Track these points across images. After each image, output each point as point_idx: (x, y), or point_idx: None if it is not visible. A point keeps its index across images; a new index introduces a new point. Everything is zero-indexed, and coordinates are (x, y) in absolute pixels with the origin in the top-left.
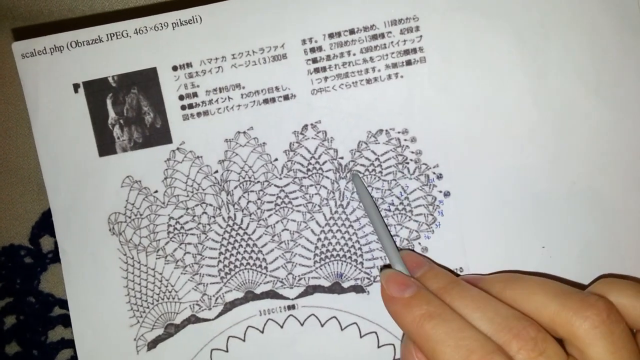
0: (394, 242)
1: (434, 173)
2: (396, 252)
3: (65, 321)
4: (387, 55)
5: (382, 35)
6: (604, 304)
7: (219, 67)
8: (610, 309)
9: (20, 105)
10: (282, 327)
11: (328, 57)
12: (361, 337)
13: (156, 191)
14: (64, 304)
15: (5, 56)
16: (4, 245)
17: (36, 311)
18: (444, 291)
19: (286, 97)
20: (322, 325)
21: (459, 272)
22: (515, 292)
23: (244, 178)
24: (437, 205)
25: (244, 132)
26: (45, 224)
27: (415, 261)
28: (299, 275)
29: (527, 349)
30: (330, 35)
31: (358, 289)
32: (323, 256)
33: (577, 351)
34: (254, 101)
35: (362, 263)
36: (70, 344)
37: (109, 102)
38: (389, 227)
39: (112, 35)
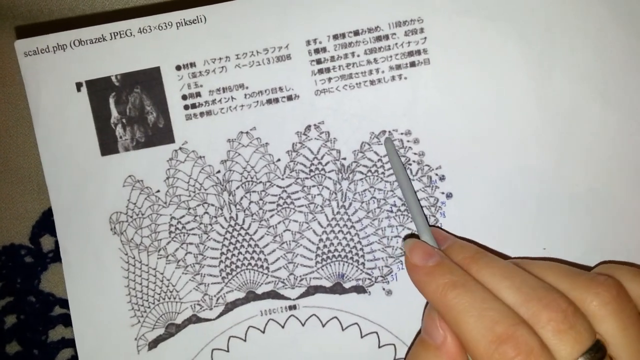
0: (424, 213)
1: (437, 175)
2: (425, 222)
3: (66, 321)
4: (391, 56)
5: (387, 37)
6: (614, 282)
7: (222, 67)
8: (620, 286)
9: (21, 104)
10: (283, 327)
11: (332, 58)
12: (362, 337)
13: (158, 191)
14: (64, 303)
15: (6, 55)
16: (4, 244)
17: (37, 310)
18: (470, 260)
19: (290, 98)
20: (323, 326)
21: None
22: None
23: (246, 178)
24: (439, 207)
25: (247, 132)
26: (45, 223)
27: (443, 235)
28: (300, 276)
29: (557, 320)
30: (335, 37)
31: (359, 290)
32: (325, 257)
33: None
34: (258, 101)
35: (363, 264)
36: (70, 343)
37: (111, 101)
38: (391, 229)
39: (115, 34)
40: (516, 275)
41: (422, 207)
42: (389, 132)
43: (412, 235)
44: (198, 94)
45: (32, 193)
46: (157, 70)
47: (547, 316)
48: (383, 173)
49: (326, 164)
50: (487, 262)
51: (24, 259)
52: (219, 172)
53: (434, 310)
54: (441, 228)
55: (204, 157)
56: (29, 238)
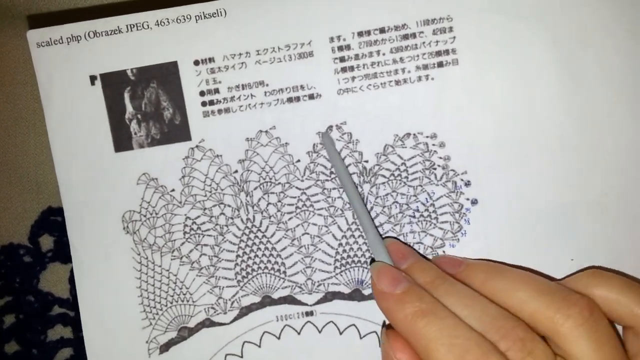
0: (377, 228)
1: (462, 180)
2: (380, 241)
3: (65, 320)
4: (418, 56)
5: (414, 35)
6: (586, 302)
7: (242, 63)
8: (593, 307)
9: (20, 103)
10: (299, 333)
11: (356, 57)
12: (380, 345)
13: (173, 190)
14: (63, 302)
15: (5, 55)
16: (3, 244)
17: (35, 310)
18: (431, 286)
19: (311, 97)
20: (340, 333)
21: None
22: (498, 285)
23: (264, 179)
24: (464, 213)
25: (266, 132)
26: (44, 223)
27: (401, 252)
28: (318, 281)
29: (514, 349)
30: (360, 34)
31: None
32: (344, 262)
33: (559, 349)
34: (278, 99)
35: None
36: (69, 342)
37: (126, 95)
38: (413, 234)
39: (132, 26)
40: (475, 304)
41: (372, 218)
42: (328, 128)
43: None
44: (216, 91)
45: (30, 192)
46: (174, 64)
47: (505, 345)
48: (406, 177)
49: (348, 166)
50: (447, 289)
51: (23, 259)
52: (236, 171)
53: (389, 342)
54: (398, 239)
55: (221, 156)
56: (27, 237)
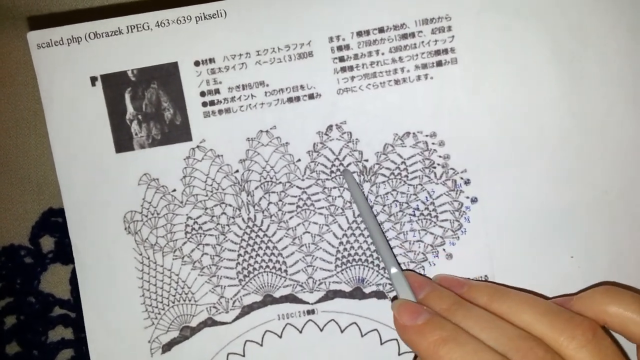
0: (396, 258)
1: (462, 178)
2: (402, 276)
3: (66, 321)
4: (417, 55)
5: (413, 35)
6: (589, 323)
7: (242, 64)
8: (595, 327)
9: (20, 104)
10: (301, 332)
11: (356, 56)
12: (382, 344)
13: (174, 190)
14: (64, 303)
15: (6, 55)
16: (4, 245)
17: (36, 311)
18: (448, 313)
19: (311, 96)
20: (342, 331)
21: (483, 281)
22: (502, 307)
23: (265, 178)
24: (464, 212)
25: (267, 131)
26: (45, 224)
27: (418, 282)
28: (319, 280)
29: None
30: (359, 34)
31: (380, 295)
32: (345, 260)
33: None
34: (278, 99)
35: (384, 269)
36: (70, 344)
37: (127, 96)
38: (413, 233)
39: (132, 27)
40: (493, 326)
41: (392, 249)
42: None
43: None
44: (217, 91)
45: (31, 194)
46: (174, 65)
47: None
48: (406, 176)
49: (348, 165)
50: (464, 314)
51: (24, 260)
52: (237, 171)
53: None
54: (414, 271)
55: (222, 156)
56: (28, 239)
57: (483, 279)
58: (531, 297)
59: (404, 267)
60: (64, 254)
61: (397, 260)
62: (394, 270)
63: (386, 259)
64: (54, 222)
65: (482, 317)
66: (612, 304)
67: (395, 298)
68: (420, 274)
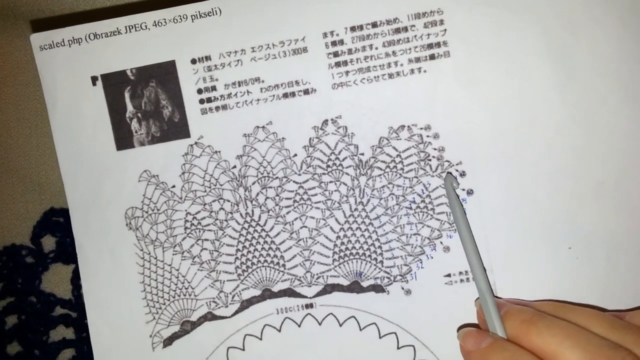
0: (486, 275)
1: (457, 170)
2: (488, 286)
3: (67, 321)
4: (410, 49)
5: (406, 29)
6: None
7: (238, 61)
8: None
9: (22, 104)
10: (299, 326)
11: (350, 51)
12: (380, 337)
13: (173, 186)
14: (65, 303)
15: (8, 56)
16: (5, 245)
17: (37, 311)
18: (529, 323)
19: (306, 92)
20: (340, 325)
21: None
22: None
23: (262, 174)
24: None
25: (263, 127)
26: (46, 224)
27: (499, 302)
28: (317, 274)
29: None
30: (352, 29)
31: (377, 289)
32: (342, 254)
33: None
34: (274, 95)
35: (382, 262)
36: (71, 343)
37: (127, 95)
38: (410, 226)
39: (130, 27)
40: (579, 334)
41: (485, 269)
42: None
43: (463, 326)
44: (214, 88)
45: (32, 193)
46: (172, 64)
47: None
48: (402, 169)
49: (344, 160)
50: (547, 324)
51: (25, 260)
52: (234, 167)
53: None
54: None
55: (219, 152)
56: (29, 238)
57: None
58: (596, 312)
59: (401, 261)
60: (65, 253)
61: (489, 286)
62: (487, 293)
63: (480, 285)
64: (55, 221)
65: (567, 326)
66: None
67: (461, 328)
68: (498, 297)
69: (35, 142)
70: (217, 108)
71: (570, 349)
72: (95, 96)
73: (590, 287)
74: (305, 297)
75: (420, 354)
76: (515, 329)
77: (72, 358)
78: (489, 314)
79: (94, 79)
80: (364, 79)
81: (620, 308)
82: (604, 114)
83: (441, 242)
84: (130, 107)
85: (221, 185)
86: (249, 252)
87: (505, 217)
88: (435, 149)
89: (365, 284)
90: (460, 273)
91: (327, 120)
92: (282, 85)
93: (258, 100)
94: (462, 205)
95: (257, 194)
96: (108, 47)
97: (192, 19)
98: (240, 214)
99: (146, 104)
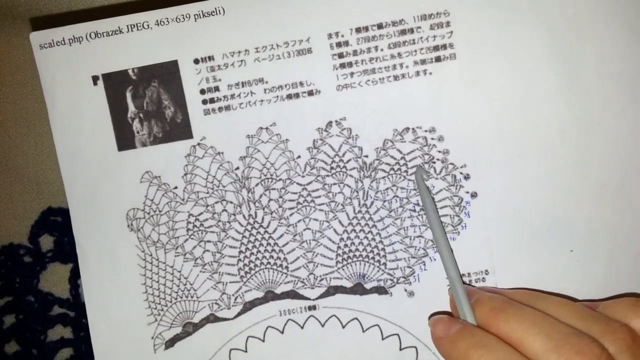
0: (456, 264)
1: (461, 173)
2: (458, 275)
3: (65, 320)
4: (415, 51)
5: (411, 31)
6: (628, 329)
7: (241, 61)
8: (634, 334)
9: (20, 103)
10: (302, 327)
11: (355, 52)
12: (383, 339)
13: (176, 187)
14: (63, 303)
15: (6, 54)
16: (3, 244)
17: (35, 310)
18: (498, 310)
19: (310, 93)
20: (343, 327)
21: (484, 275)
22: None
23: (265, 175)
24: (464, 207)
25: (267, 128)
26: (44, 223)
27: (471, 290)
28: (320, 276)
29: None
30: (358, 30)
31: (380, 291)
32: (345, 256)
33: None
34: (277, 96)
35: (385, 264)
36: (69, 343)
37: (128, 95)
38: (414, 228)
39: (132, 26)
40: (544, 321)
41: (454, 257)
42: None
43: (434, 314)
44: (216, 89)
45: (30, 193)
46: (174, 63)
47: None
48: (406, 171)
49: (348, 162)
50: (515, 311)
51: (23, 259)
52: (237, 168)
53: None
54: (468, 284)
55: (222, 153)
56: (27, 238)
57: (483, 274)
58: (567, 301)
59: (404, 263)
60: (63, 253)
61: (459, 273)
62: (457, 281)
63: (450, 273)
64: (53, 221)
65: (533, 313)
66: (636, 318)
67: (432, 315)
68: (470, 285)
69: (34, 141)
70: (220, 109)
71: (535, 336)
72: (96, 96)
73: (591, 289)
74: (308, 299)
75: (422, 355)
76: (484, 316)
77: (70, 357)
78: (459, 301)
79: (94, 79)
80: (368, 80)
81: None
82: (608, 116)
83: None
84: (132, 107)
85: (224, 186)
86: (251, 253)
87: (509, 219)
88: (439, 151)
89: (368, 285)
90: (464, 275)
91: (331, 122)
92: (286, 86)
93: (262, 101)
94: (431, 195)
95: (260, 196)
96: (109, 46)
97: (195, 19)
98: (243, 216)
99: (148, 104)
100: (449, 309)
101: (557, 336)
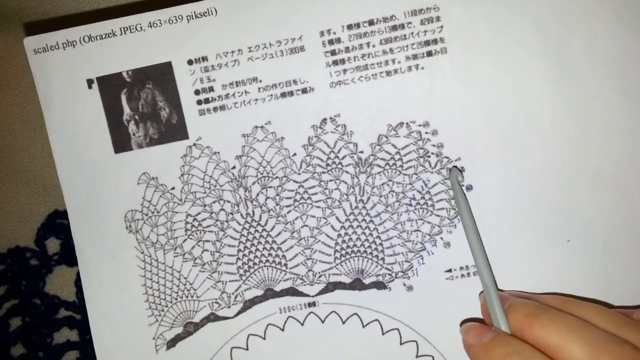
0: (491, 270)
1: (456, 167)
2: (493, 280)
3: (71, 323)
4: (407, 46)
5: (402, 26)
6: None
7: (235, 61)
8: None
9: (26, 106)
10: (302, 324)
11: (347, 49)
12: (383, 334)
13: (173, 188)
14: (69, 305)
15: (11, 57)
16: (9, 247)
17: (42, 313)
18: (533, 317)
19: (304, 91)
20: (343, 323)
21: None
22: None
23: (262, 174)
24: None
25: (262, 127)
26: (50, 226)
27: (504, 296)
28: (319, 272)
29: None
30: (349, 27)
31: (379, 285)
32: (343, 252)
33: None
34: (272, 95)
35: (383, 259)
36: (75, 345)
37: (123, 97)
38: (410, 223)
39: (125, 29)
40: (583, 328)
41: (489, 263)
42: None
43: (465, 321)
44: (211, 89)
45: (37, 196)
46: (168, 65)
47: None
48: (401, 166)
49: (343, 158)
50: (551, 317)
51: (29, 262)
52: (234, 167)
53: None
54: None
55: (218, 152)
56: (34, 240)
57: None
58: (602, 307)
59: (402, 258)
60: (70, 255)
61: (494, 280)
62: (491, 287)
63: (485, 279)
64: (59, 224)
65: (571, 320)
66: None
67: (464, 322)
68: (500, 290)
69: (40, 144)
70: (215, 109)
71: (574, 343)
72: (91, 99)
73: (588, 279)
74: (308, 295)
75: (422, 349)
76: (518, 323)
77: None
78: (493, 307)
79: (89, 82)
80: (361, 76)
81: (619, 298)
82: (599, 107)
83: (442, 238)
84: (127, 110)
85: (221, 186)
86: (250, 252)
87: (504, 211)
88: (434, 145)
89: (367, 281)
90: (461, 268)
91: (325, 119)
92: (280, 84)
93: (256, 100)
94: (466, 199)
95: (257, 194)
96: (103, 50)
97: (188, 20)
98: (241, 215)
99: (143, 106)
100: (448, 303)
101: (597, 343)
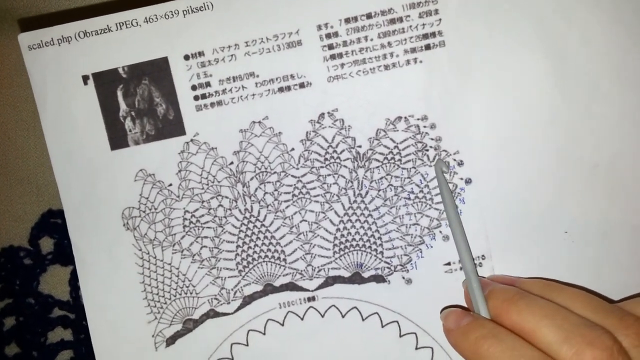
0: (472, 256)
1: (455, 160)
2: (473, 267)
3: (65, 322)
4: (405, 40)
5: (400, 20)
6: None
7: (232, 56)
8: None
9: (20, 106)
10: (302, 319)
11: (344, 43)
12: (383, 326)
13: (170, 184)
14: (63, 305)
15: (5, 56)
16: (3, 246)
17: (36, 312)
18: (510, 302)
19: (302, 85)
20: (343, 316)
21: (481, 260)
22: (555, 301)
23: (260, 169)
24: (459, 193)
25: (259, 122)
26: (44, 225)
27: (485, 282)
28: (318, 267)
29: (602, 358)
30: (347, 20)
31: (378, 279)
32: (342, 246)
33: None
34: (269, 90)
35: (382, 252)
36: (69, 345)
37: (119, 93)
38: (409, 216)
39: (121, 24)
40: (557, 313)
41: (471, 251)
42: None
43: (445, 307)
44: (208, 84)
45: (31, 195)
46: (165, 60)
47: (591, 354)
48: (400, 160)
49: (341, 152)
50: (527, 303)
51: (23, 261)
52: (232, 163)
53: None
54: (483, 277)
55: (216, 148)
56: (28, 240)
57: (480, 259)
58: (583, 293)
59: (401, 251)
60: (63, 255)
61: (475, 265)
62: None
63: (466, 266)
64: (53, 223)
65: (545, 305)
66: None
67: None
68: (482, 277)
69: (33, 143)
70: (212, 104)
71: (547, 327)
72: (87, 95)
73: (586, 270)
74: (307, 290)
75: (422, 341)
76: (497, 308)
77: (70, 359)
78: (473, 294)
79: (85, 78)
80: (359, 70)
81: (615, 289)
82: (596, 99)
83: (440, 231)
84: (123, 106)
85: (219, 181)
86: (249, 247)
87: (503, 203)
88: (432, 139)
89: (366, 274)
90: (460, 261)
91: (323, 114)
92: (277, 79)
93: (253, 95)
94: (450, 190)
95: (256, 190)
96: (99, 45)
97: (184, 15)
98: (239, 210)
99: (139, 102)
100: (447, 296)
101: (569, 327)
